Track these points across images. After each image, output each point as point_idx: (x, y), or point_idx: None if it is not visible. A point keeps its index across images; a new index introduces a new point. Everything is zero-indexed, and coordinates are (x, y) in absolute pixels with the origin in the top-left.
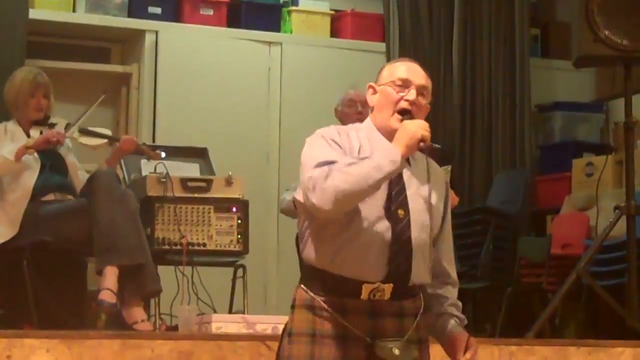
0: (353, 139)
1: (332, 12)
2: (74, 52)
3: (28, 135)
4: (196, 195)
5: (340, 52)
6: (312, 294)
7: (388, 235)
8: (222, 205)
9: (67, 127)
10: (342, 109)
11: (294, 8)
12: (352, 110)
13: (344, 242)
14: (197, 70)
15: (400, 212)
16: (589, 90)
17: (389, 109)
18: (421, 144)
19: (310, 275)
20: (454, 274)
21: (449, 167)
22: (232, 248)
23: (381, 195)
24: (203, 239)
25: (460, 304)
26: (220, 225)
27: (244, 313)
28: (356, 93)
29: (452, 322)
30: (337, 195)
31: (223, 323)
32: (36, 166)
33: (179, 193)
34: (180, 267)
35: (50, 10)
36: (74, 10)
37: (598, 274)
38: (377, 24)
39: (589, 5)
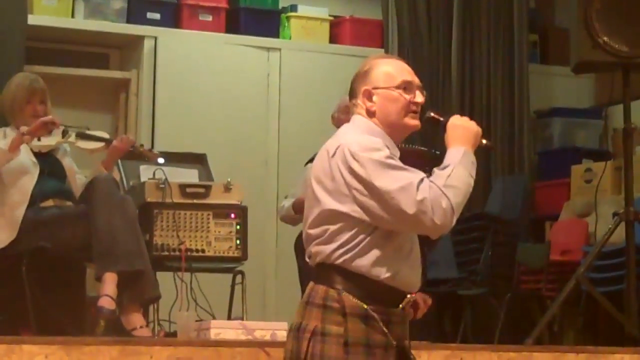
0: None
1: (331, 18)
2: (72, 58)
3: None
4: (195, 201)
5: (339, 58)
6: (362, 304)
7: (419, 247)
8: (221, 211)
9: (65, 132)
10: (338, 115)
11: (292, 14)
12: (348, 117)
13: (404, 256)
14: (195, 76)
15: None
16: (588, 96)
17: (399, 112)
18: (483, 141)
19: (356, 283)
20: None
21: None
22: (230, 254)
23: None
24: (202, 245)
25: None
26: (219, 232)
27: (242, 319)
28: None
29: None
30: (456, 211)
31: (222, 329)
32: (35, 171)
33: (177, 199)
34: (179, 274)
35: (49, 16)
36: (72, 16)
37: (597, 281)
38: (376, 29)
39: (588, 11)
